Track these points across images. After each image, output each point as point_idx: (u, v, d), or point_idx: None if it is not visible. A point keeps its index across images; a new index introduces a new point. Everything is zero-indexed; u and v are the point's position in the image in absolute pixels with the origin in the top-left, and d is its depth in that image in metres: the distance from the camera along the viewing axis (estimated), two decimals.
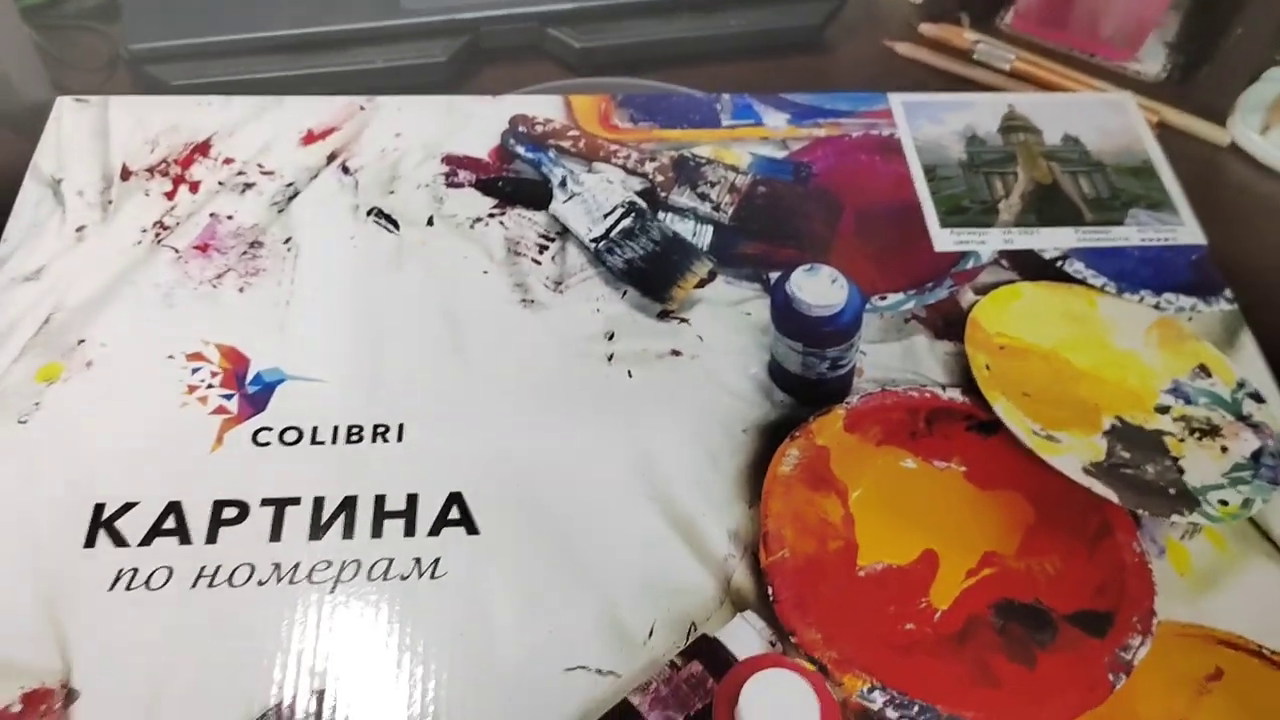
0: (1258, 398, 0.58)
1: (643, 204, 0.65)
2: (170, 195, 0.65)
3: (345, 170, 0.67)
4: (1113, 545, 0.52)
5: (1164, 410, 0.57)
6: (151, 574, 0.49)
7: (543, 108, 0.71)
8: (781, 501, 0.53)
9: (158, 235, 0.62)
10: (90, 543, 0.49)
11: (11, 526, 0.50)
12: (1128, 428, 0.56)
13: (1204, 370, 0.59)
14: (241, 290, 0.60)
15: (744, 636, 0.48)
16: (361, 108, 0.70)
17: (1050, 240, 0.65)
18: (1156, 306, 0.62)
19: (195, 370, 0.56)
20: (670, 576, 0.50)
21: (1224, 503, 0.53)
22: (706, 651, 0.48)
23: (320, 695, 0.46)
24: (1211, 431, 0.56)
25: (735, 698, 0.43)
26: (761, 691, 0.44)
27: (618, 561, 0.50)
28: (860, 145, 0.70)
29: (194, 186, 0.65)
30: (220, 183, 0.65)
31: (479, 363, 0.57)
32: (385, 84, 0.72)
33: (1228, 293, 0.63)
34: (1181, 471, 0.54)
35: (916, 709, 0.46)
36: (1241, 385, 0.58)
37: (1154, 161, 0.70)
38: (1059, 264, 0.64)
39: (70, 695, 0.45)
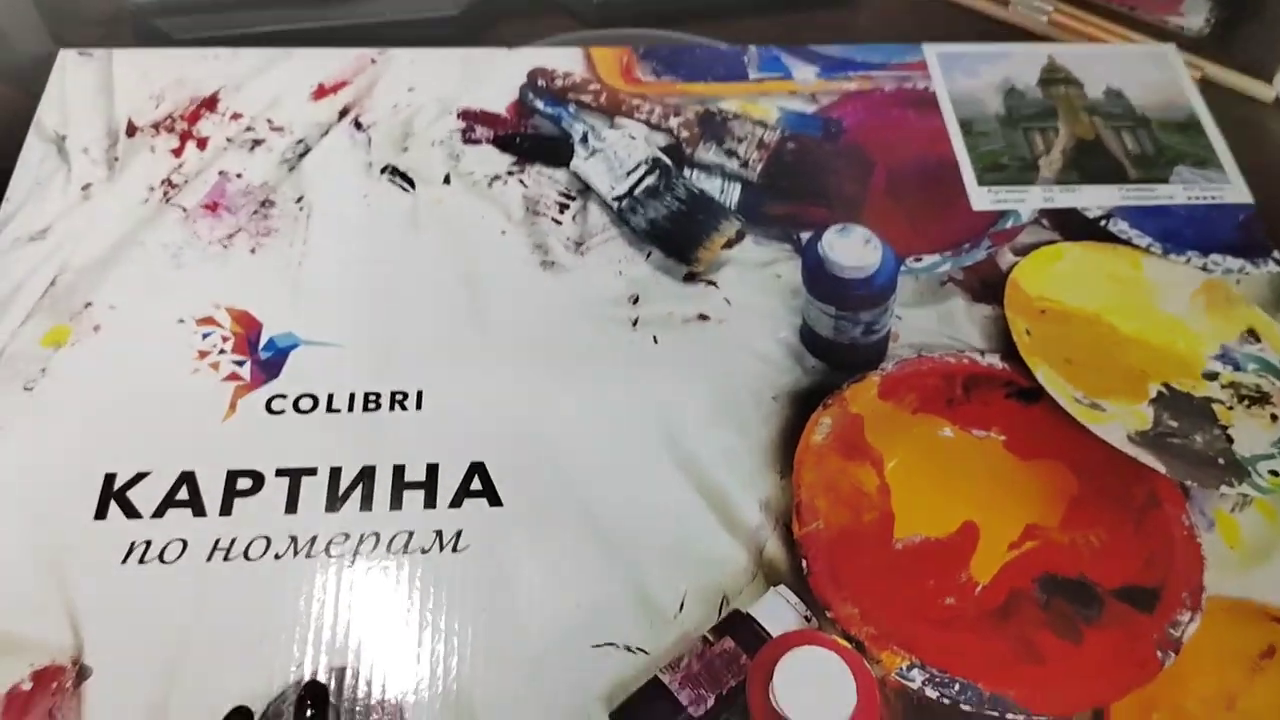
0: None
1: (667, 161, 0.63)
2: (177, 152, 0.62)
3: (357, 126, 0.64)
4: (1160, 518, 0.50)
5: (1212, 377, 0.55)
6: (165, 547, 0.47)
7: (562, 61, 0.68)
8: (814, 471, 0.51)
9: (165, 194, 0.60)
10: (101, 514, 0.48)
11: (18, 497, 0.48)
12: (1175, 395, 0.54)
13: (1253, 335, 0.57)
14: (253, 251, 0.58)
15: (778, 611, 0.46)
16: (373, 61, 0.68)
17: (1093, 198, 0.62)
18: (1204, 268, 0.60)
19: (206, 335, 0.54)
20: (700, 548, 0.48)
21: (1275, 473, 0.51)
22: (739, 627, 0.46)
23: (340, 673, 0.44)
24: (1261, 399, 0.54)
25: (770, 676, 0.42)
26: (797, 669, 0.42)
27: (646, 533, 0.48)
28: (893, 99, 0.67)
29: (201, 143, 0.63)
30: (228, 139, 0.63)
31: (499, 328, 0.55)
32: (394, 37, 0.69)
33: (1277, 254, 0.60)
34: (1230, 441, 0.52)
35: (957, 687, 0.45)
36: None
37: (1199, 117, 0.67)
38: (1102, 223, 0.61)
39: (82, 672, 0.44)
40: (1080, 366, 0.55)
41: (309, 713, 0.42)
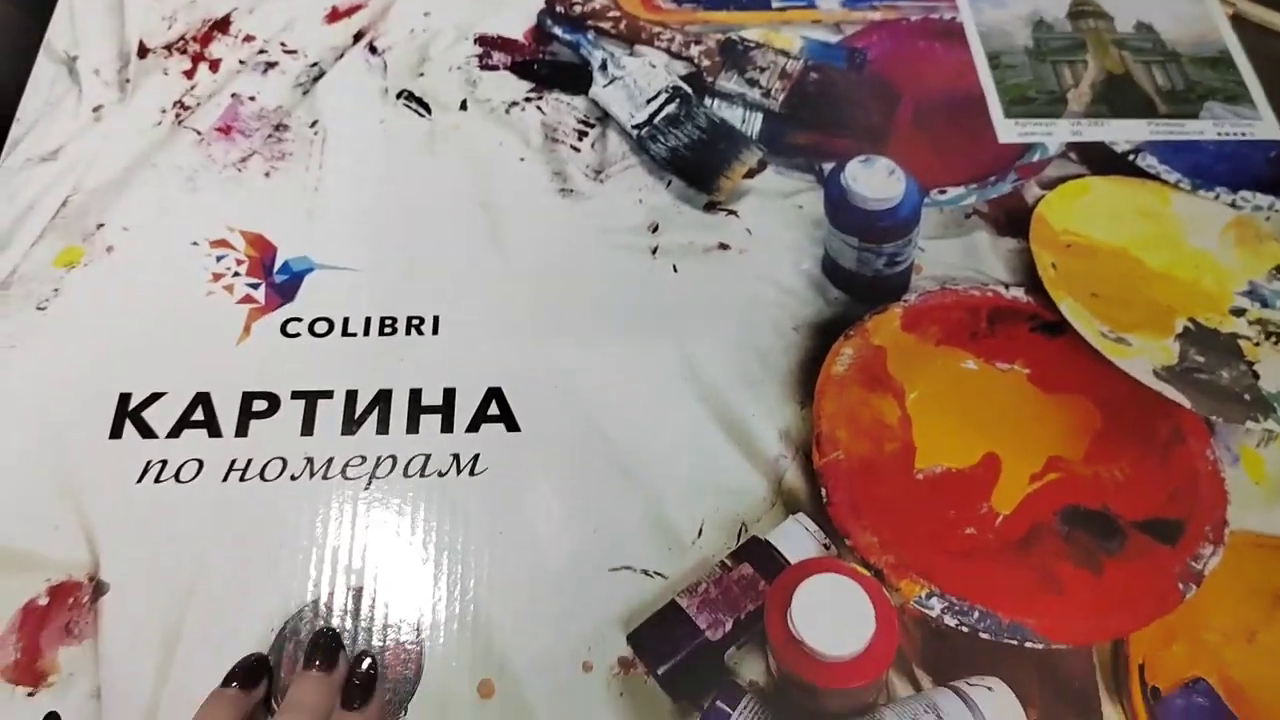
0: None
1: (688, 89, 0.61)
2: (189, 74, 0.61)
3: (373, 50, 0.63)
4: (1185, 452, 0.49)
5: (1239, 313, 0.54)
6: (181, 466, 0.47)
7: None
8: (835, 402, 0.50)
9: (178, 116, 0.59)
10: (116, 433, 0.47)
11: (33, 416, 0.48)
12: (1201, 331, 0.53)
13: None
14: (267, 175, 0.57)
15: (797, 539, 0.46)
16: None
17: (1121, 133, 0.61)
18: (1233, 204, 0.58)
19: (220, 258, 0.54)
20: (719, 476, 0.48)
21: None
22: (758, 553, 0.45)
23: (358, 592, 0.44)
24: None
25: (788, 602, 0.41)
26: (815, 596, 0.42)
27: (664, 460, 0.48)
28: (919, 30, 0.66)
29: (214, 65, 0.62)
30: (241, 62, 0.62)
31: (517, 254, 0.55)
32: None
33: None
34: (1257, 377, 0.52)
35: (976, 615, 0.44)
36: None
37: (1231, 52, 0.66)
38: (1131, 158, 0.60)
39: (99, 588, 0.44)
40: (1106, 301, 0.54)
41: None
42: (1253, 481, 0.48)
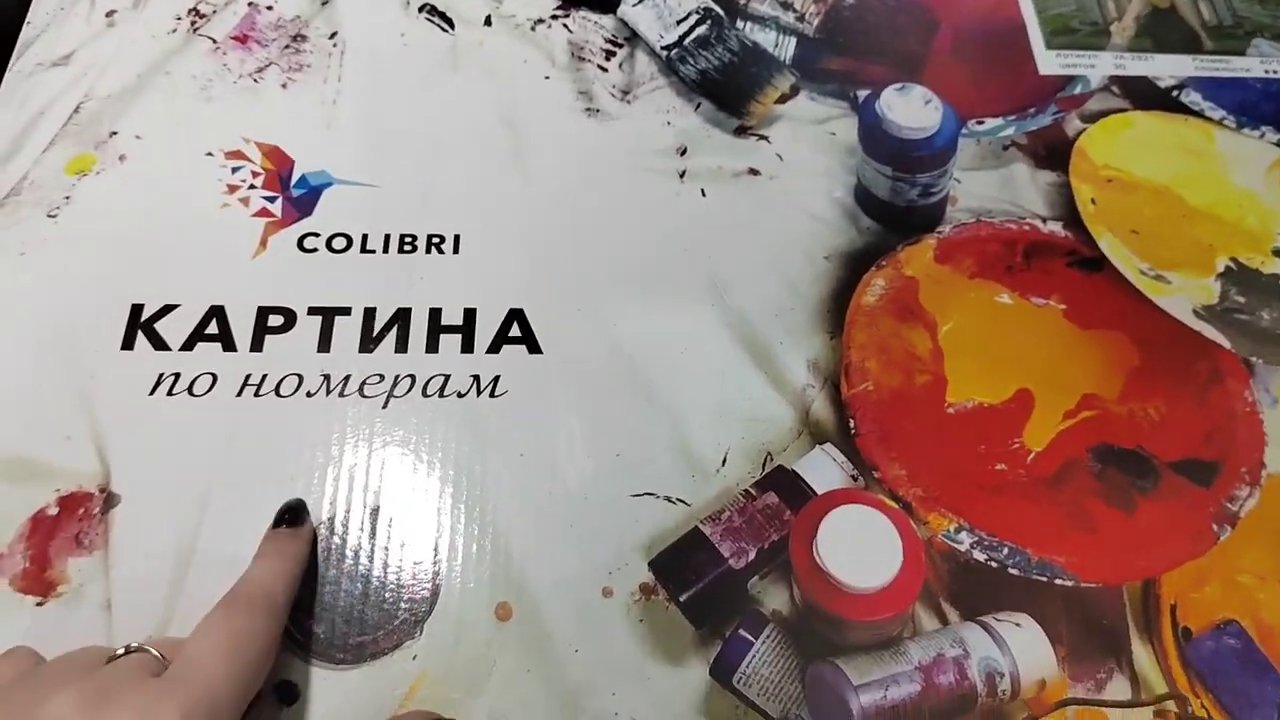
0: None
1: (719, 10, 0.59)
2: None
3: None
4: (1222, 393, 0.48)
5: None
6: (195, 380, 0.46)
7: None
8: (865, 332, 0.49)
9: (193, 24, 0.57)
10: (128, 344, 0.46)
11: (43, 324, 0.47)
12: (1243, 270, 0.52)
13: None
14: (285, 86, 0.55)
15: (824, 469, 0.45)
16: None
17: (1166, 67, 0.59)
18: (1278, 144, 0.56)
19: (236, 169, 0.52)
20: (745, 405, 0.47)
21: None
22: (783, 483, 0.44)
23: (375, 512, 0.43)
24: None
25: (814, 532, 0.40)
26: (842, 527, 0.41)
27: (690, 387, 0.47)
28: None
29: None
30: None
31: (540, 174, 0.53)
32: None
33: None
34: None
35: (1005, 551, 0.43)
36: None
37: None
38: (1175, 94, 0.58)
39: (110, 499, 0.43)
40: (1146, 238, 0.52)
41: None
42: None
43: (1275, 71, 0.59)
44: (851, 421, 0.46)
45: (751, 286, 0.50)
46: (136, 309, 0.47)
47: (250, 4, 0.58)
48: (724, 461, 0.45)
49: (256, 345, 0.47)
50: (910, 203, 0.52)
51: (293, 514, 0.41)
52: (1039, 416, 0.47)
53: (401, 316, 0.48)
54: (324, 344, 0.47)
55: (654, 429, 0.46)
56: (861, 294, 0.50)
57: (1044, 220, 0.53)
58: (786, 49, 0.59)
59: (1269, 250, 0.53)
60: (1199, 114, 0.57)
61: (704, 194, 0.53)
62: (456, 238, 0.50)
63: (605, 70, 0.57)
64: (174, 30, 0.57)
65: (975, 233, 0.52)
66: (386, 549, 0.42)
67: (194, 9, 0.58)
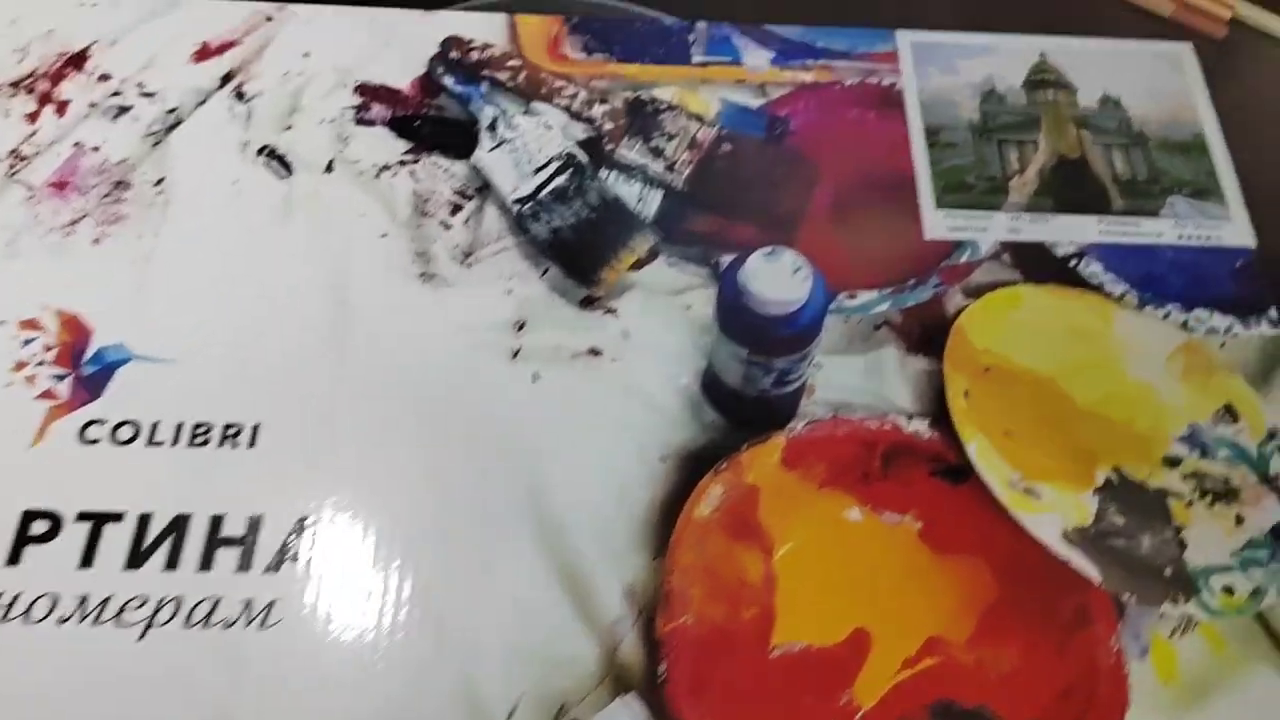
0: None
1: (584, 157, 0.55)
2: (33, 117, 0.55)
3: (239, 96, 0.57)
4: (1087, 639, 0.43)
5: (1174, 463, 0.47)
6: None
7: (483, 29, 0.60)
8: (693, 553, 0.44)
9: (12, 167, 0.53)
10: None
11: None
12: (1126, 484, 0.46)
13: (1230, 413, 0.49)
14: (97, 241, 0.51)
15: None
16: (269, 18, 0.60)
17: (1066, 231, 0.54)
18: (1184, 325, 0.51)
19: (28, 342, 0.48)
20: (546, 642, 0.42)
21: (1229, 591, 0.44)
22: None
23: None
24: (1227, 495, 0.46)
25: None
26: None
27: (486, 619, 0.42)
28: (853, 96, 0.59)
29: (61, 108, 0.56)
30: (92, 104, 0.56)
31: (359, 350, 0.49)
32: None
33: (1274, 312, 0.52)
34: (1183, 546, 0.45)
35: None
36: (1273, 436, 0.48)
37: (1207, 136, 0.58)
38: (1072, 263, 0.53)
39: None
40: (1021, 441, 0.47)
41: None
42: (1160, 681, 0.42)
43: (1189, 237, 0.54)
44: (662, 664, 0.41)
45: (574, 493, 0.45)
46: None
47: (76, 144, 0.54)
48: (511, 716, 0.40)
49: (14, 557, 0.43)
50: (763, 392, 0.48)
51: None
52: (875, 663, 0.42)
53: (178, 525, 0.44)
54: (87, 558, 0.43)
55: (438, 669, 0.41)
56: (695, 504, 0.45)
57: (909, 418, 0.48)
58: (650, 204, 0.54)
59: (1159, 459, 0.47)
60: (1098, 288, 0.52)
61: (536, 378, 0.48)
62: (255, 429, 0.46)
63: (449, 227, 0.53)
64: None
65: (831, 431, 0.47)
66: None
67: (15, 150, 0.54)
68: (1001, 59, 0.60)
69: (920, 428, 0.48)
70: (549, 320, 0.50)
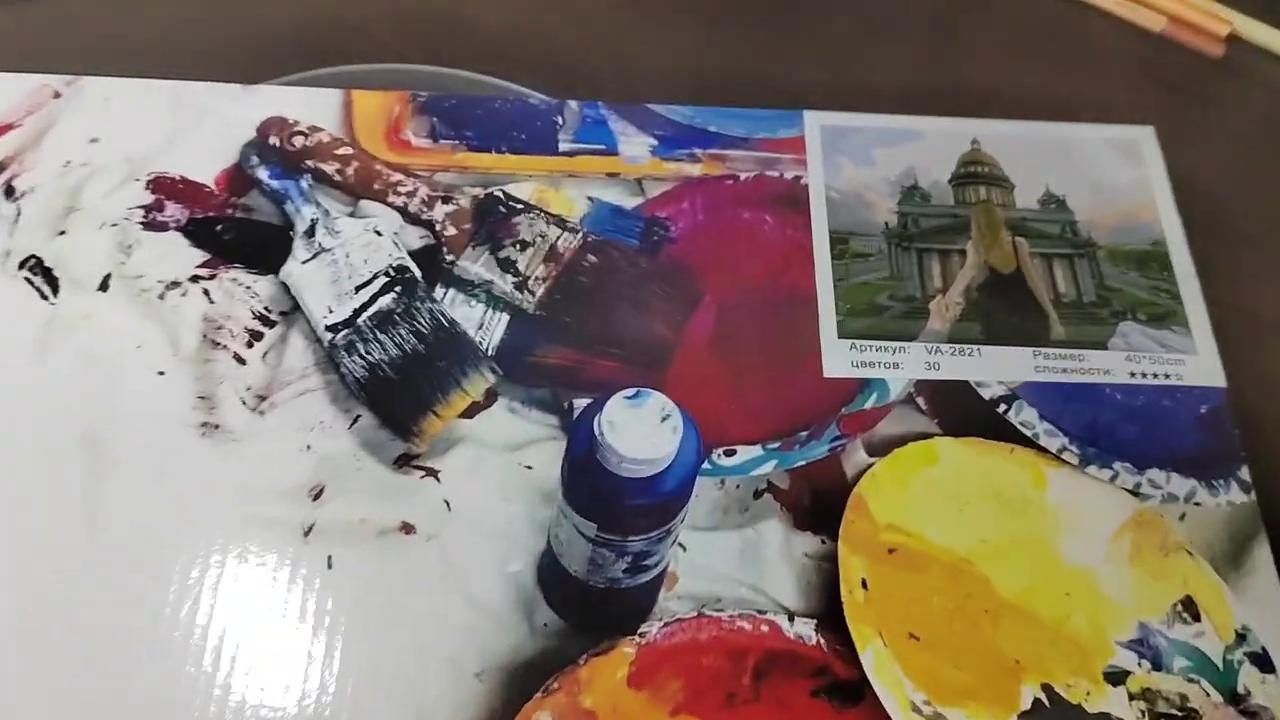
0: (1263, 663, 0.39)
1: (416, 272, 0.46)
2: None
3: (9, 193, 0.47)
4: None
5: (1118, 680, 0.38)
6: None
7: (311, 108, 0.50)
8: None
9: None
10: None
11: None
12: (1059, 707, 0.37)
13: (1189, 609, 0.40)
14: None
15: None
16: (57, 94, 0.50)
17: (995, 368, 0.45)
18: (1135, 491, 0.42)
19: None
20: None
21: None
22: None
23: None
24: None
25: None
26: None
27: None
28: (749, 193, 0.50)
29: None
30: None
31: (112, 529, 0.40)
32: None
33: (1244, 473, 0.43)
34: None
35: None
36: (1242, 638, 0.39)
37: (1168, 244, 0.49)
38: (1001, 409, 0.44)
39: None
40: (928, 647, 0.38)
41: None
42: None
43: (1144, 375, 0.45)
44: None
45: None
46: None
47: None
48: None
49: None
50: (612, 583, 0.38)
51: None
52: None
53: None
54: None
55: None
56: None
57: (791, 617, 0.39)
58: (494, 331, 0.45)
59: (1099, 672, 0.38)
60: (1030, 441, 0.43)
61: (330, 564, 0.39)
62: None
63: (243, 362, 0.43)
64: None
65: (693, 636, 0.38)
66: None
67: None
68: (927, 146, 0.51)
69: (805, 631, 0.38)
70: (354, 484, 0.41)
